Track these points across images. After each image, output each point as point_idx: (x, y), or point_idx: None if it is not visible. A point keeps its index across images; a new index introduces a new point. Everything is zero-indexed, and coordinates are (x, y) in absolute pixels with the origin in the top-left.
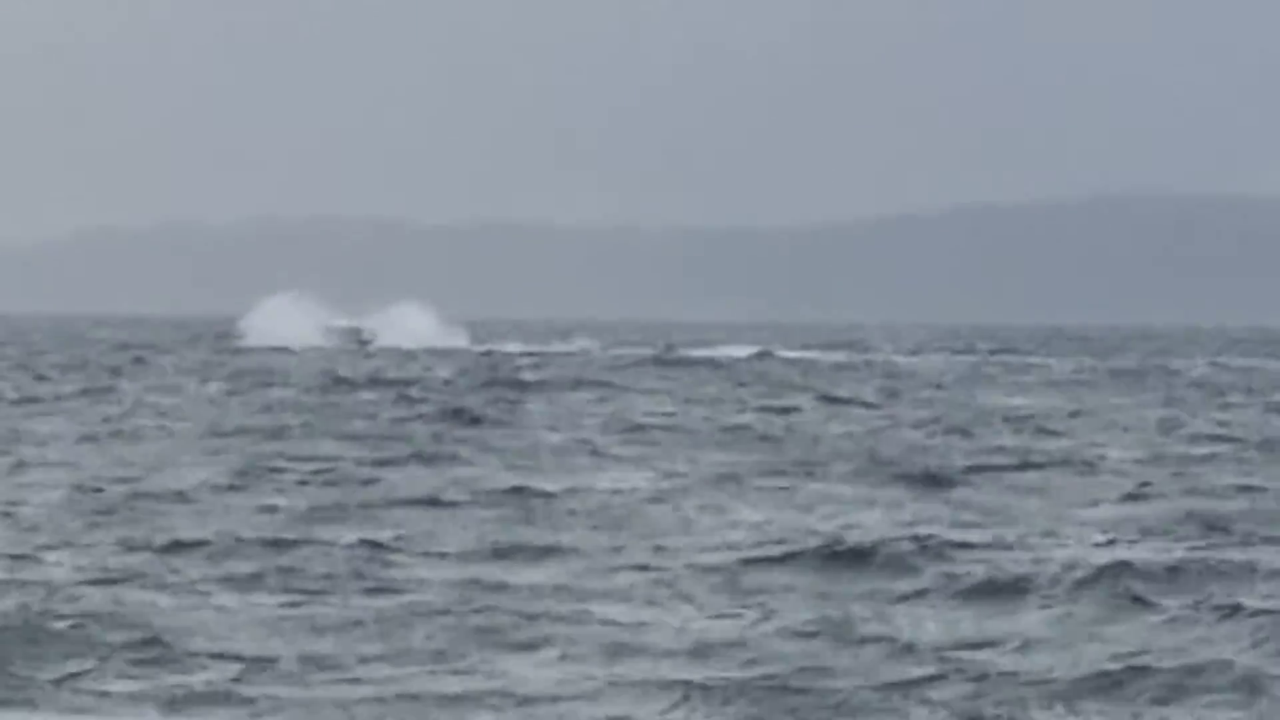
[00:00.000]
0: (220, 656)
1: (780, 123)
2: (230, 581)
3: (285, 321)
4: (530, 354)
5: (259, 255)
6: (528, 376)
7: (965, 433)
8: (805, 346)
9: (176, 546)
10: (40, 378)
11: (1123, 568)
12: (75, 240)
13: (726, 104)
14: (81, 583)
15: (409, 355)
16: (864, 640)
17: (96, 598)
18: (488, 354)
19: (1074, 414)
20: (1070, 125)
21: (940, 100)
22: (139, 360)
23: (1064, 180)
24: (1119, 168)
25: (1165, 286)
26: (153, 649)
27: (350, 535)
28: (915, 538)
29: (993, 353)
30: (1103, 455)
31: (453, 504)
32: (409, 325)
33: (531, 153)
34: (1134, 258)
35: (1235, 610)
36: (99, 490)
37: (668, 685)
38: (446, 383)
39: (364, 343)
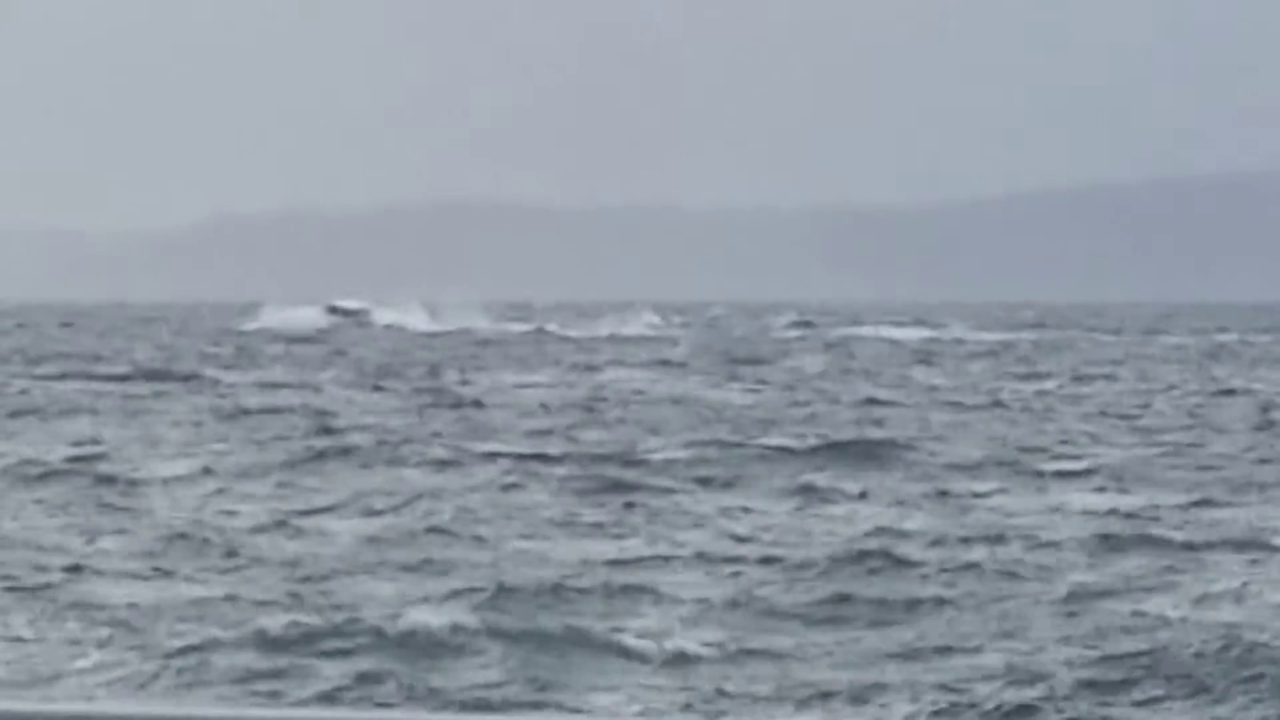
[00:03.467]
0: None
1: (913, 99)
2: None
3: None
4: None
5: (384, 243)
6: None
7: None
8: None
9: None
10: None
11: None
12: (198, 228)
13: (859, 80)
14: None
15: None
16: None
17: None
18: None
19: None
20: (1191, 101)
21: (1078, 76)
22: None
23: (1187, 157)
24: (1246, 143)
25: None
26: None
27: None
28: None
29: None
30: None
31: None
32: (410, 309)
33: (659, 135)
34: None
35: None
36: None
37: None
38: None
39: (363, 324)
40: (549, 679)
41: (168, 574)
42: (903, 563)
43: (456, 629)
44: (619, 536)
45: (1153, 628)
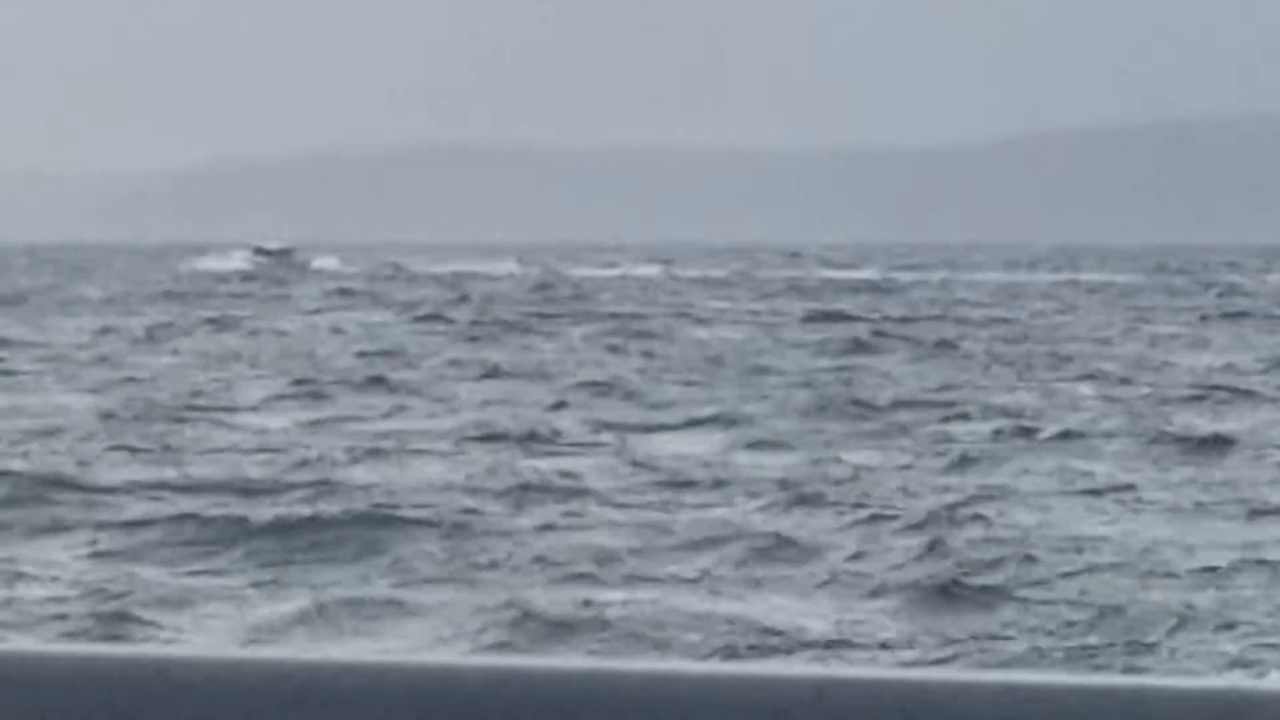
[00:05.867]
0: None
1: (913, 41)
2: None
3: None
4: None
5: (394, 184)
6: None
7: None
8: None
9: None
10: None
11: None
12: (202, 169)
13: (868, 20)
14: None
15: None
16: None
17: None
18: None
19: None
20: (1197, 40)
21: (1068, 19)
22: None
23: (1192, 97)
24: (1250, 83)
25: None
26: None
27: None
28: None
29: None
30: None
31: None
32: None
33: (671, 75)
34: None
35: None
36: None
37: None
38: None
39: (294, 265)
40: None
41: None
42: None
43: None
44: None
45: None
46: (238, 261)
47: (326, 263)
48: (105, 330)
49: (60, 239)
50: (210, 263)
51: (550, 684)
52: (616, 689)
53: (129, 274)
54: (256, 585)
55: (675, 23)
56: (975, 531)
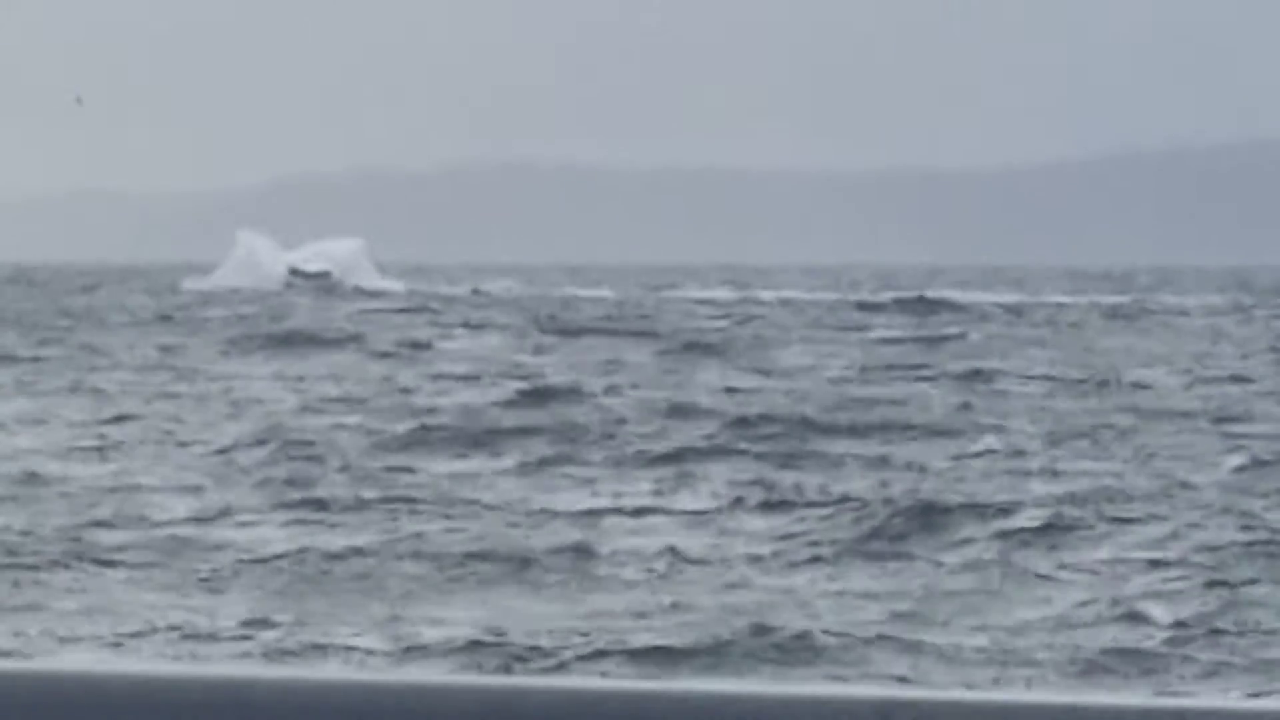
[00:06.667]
0: None
1: (983, 56)
2: None
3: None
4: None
5: (450, 204)
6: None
7: None
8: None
9: None
10: None
11: None
12: (262, 189)
13: (926, 39)
14: None
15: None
16: None
17: None
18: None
19: None
20: (1257, 63)
21: (1120, 41)
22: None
23: (1244, 121)
24: None
25: None
26: None
27: None
28: None
29: None
30: None
31: None
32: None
33: (726, 97)
34: None
35: None
36: None
37: None
38: None
39: (334, 286)
40: None
41: None
42: None
43: None
44: None
45: None
46: (269, 282)
47: (379, 283)
48: (168, 348)
49: (125, 259)
50: (221, 279)
51: (598, 705)
52: (670, 709)
53: (186, 291)
54: None
55: (727, 44)
56: None
